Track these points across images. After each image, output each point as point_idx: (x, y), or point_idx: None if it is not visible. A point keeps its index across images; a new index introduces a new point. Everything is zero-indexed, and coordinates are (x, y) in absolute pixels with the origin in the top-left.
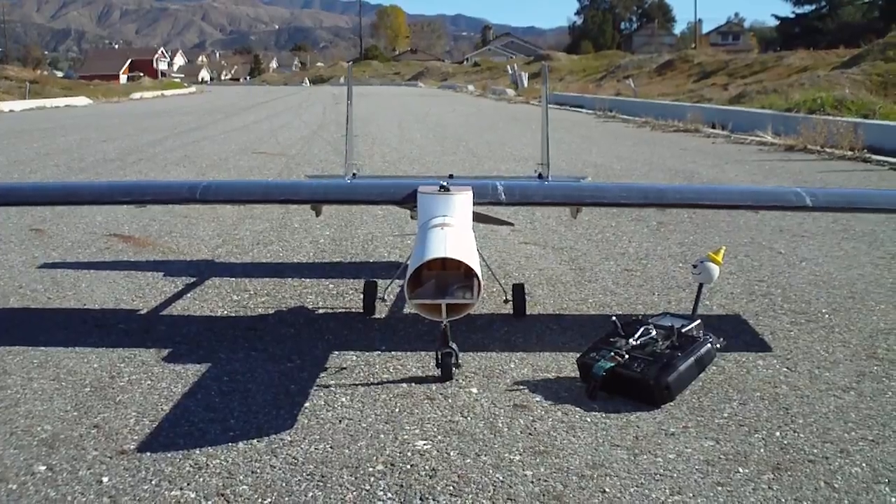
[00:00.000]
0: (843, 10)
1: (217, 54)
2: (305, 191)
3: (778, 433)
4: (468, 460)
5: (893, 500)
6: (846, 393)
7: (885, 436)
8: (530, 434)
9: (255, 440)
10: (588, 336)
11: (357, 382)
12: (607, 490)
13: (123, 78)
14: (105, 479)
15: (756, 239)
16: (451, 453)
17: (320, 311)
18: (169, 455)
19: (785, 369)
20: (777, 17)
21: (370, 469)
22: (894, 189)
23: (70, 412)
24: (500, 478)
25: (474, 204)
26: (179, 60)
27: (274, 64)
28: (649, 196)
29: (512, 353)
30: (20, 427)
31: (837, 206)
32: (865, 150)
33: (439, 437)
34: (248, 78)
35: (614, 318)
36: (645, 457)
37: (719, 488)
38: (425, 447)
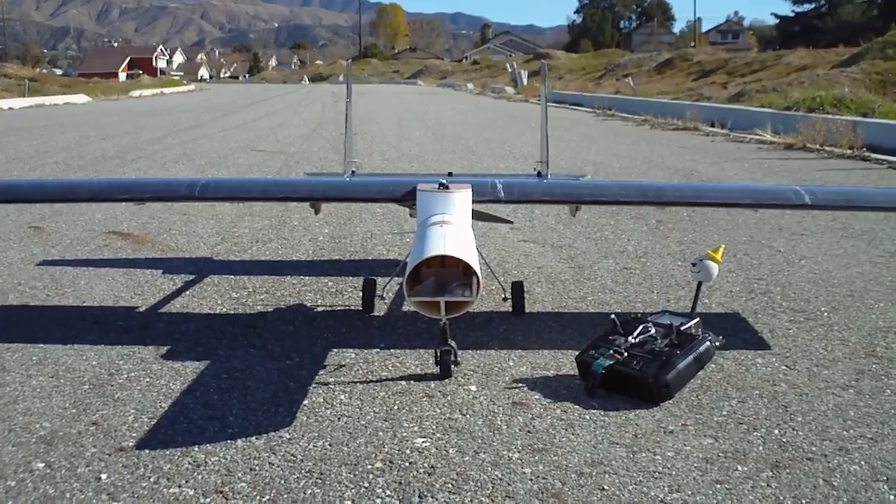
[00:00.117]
0: (842, 8)
1: (216, 52)
2: (304, 188)
3: (777, 431)
4: (467, 458)
5: (892, 497)
6: (845, 391)
7: (884, 434)
8: (529, 432)
9: (253, 437)
10: (587, 334)
11: (356, 380)
12: (606, 487)
13: (123, 76)
14: (104, 477)
15: (755, 237)
16: (450, 451)
17: (319, 308)
18: (167, 452)
19: (784, 367)
20: (776, 16)
21: (369, 466)
22: (893, 187)
23: (69, 409)
24: (499, 475)
25: (473, 202)
26: (179, 58)
27: (273, 62)
28: (648, 194)
29: (511, 350)
30: (19, 424)
31: (836, 205)
32: (864, 149)
33: (438, 435)
34: (247, 76)
35: (613, 316)
36: (644, 454)
37: (718, 486)
38: (424, 445)
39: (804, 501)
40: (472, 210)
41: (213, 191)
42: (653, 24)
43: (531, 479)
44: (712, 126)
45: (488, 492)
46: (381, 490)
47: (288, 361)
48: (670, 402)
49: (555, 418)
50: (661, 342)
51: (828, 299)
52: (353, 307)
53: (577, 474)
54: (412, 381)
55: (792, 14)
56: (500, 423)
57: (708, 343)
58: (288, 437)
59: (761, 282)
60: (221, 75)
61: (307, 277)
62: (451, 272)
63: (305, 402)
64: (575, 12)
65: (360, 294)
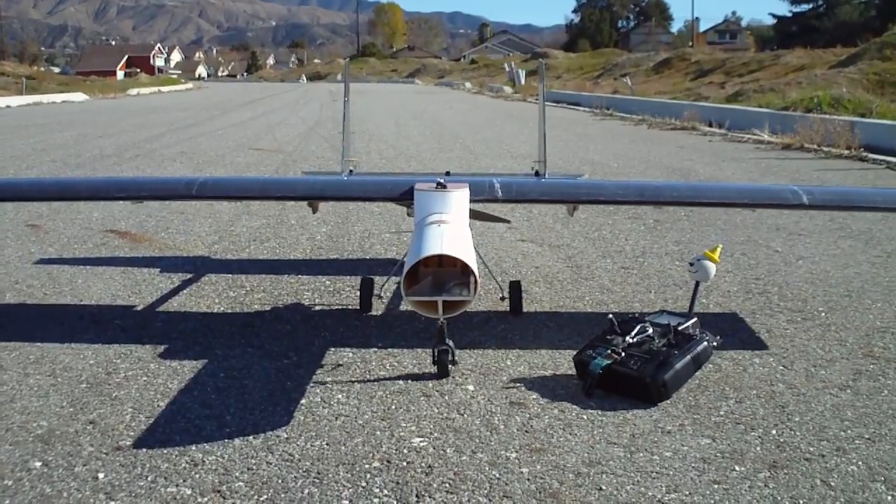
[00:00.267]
0: (840, 8)
1: (214, 51)
2: (302, 187)
3: (774, 431)
4: (464, 457)
5: (889, 498)
6: (842, 391)
7: (881, 434)
8: (527, 431)
9: (251, 437)
10: (585, 334)
11: (353, 379)
12: (603, 487)
13: (120, 74)
14: (101, 476)
15: (753, 237)
16: (448, 450)
17: (317, 307)
18: (165, 451)
19: (781, 367)
20: (774, 16)
21: (366, 466)
22: (891, 188)
23: (66, 408)
24: (497, 475)
25: (471, 201)
26: (176, 57)
27: (271, 60)
28: (646, 194)
29: (508, 350)
30: (16, 423)
31: (834, 205)
32: (862, 149)
33: (435, 435)
34: (245, 74)
35: (611, 315)
36: (641, 454)
37: (715, 486)
38: (421, 444)
39: (801, 502)
40: (470, 209)
41: (211, 189)
42: (650, 24)
43: (529, 479)
44: (710, 126)
45: (486, 491)
46: (378, 490)
47: (285, 360)
48: (668, 402)
49: (552, 418)
50: (659, 342)
51: (825, 299)
52: (350, 306)
53: (575, 474)
54: (410, 381)
55: (790, 14)
56: (497, 422)
57: (705, 343)
58: (285, 436)
59: (759, 282)
60: (219, 74)
61: (305, 276)
62: (448, 271)
63: (303, 401)
64: (573, 12)
65: (358, 293)
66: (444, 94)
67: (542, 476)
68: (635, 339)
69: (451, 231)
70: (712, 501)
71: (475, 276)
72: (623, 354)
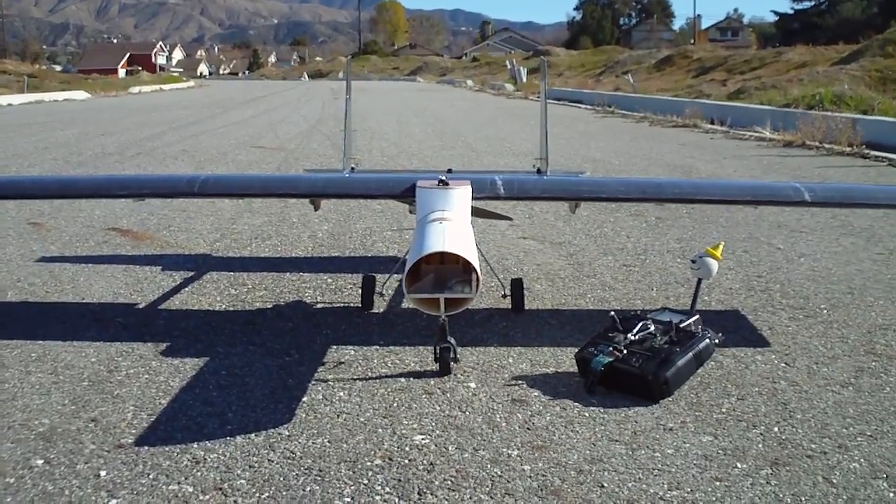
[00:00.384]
0: (842, 6)
1: (216, 48)
2: (304, 185)
3: (776, 428)
4: (466, 455)
5: (891, 495)
6: (844, 388)
7: (884, 431)
8: (528, 429)
9: (252, 434)
10: (586, 331)
11: (355, 377)
12: (605, 485)
13: (122, 72)
14: (103, 473)
15: (754, 234)
16: (450, 448)
17: (318, 305)
18: (167, 449)
19: (783, 365)
20: (776, 13)
21: (368, 463)
22: (893, 185)
23: (68, 406)
24: (498, 472)
25: (473, 198)
26: (178, 55)
27: (272, 58)
28: (648, 191)
29: (510, 347)
30: (18, 421)
31: (836, 202)
32: (864, 146)
33: (437, 432)
34: (246, 72)
35: (613, 313)
36: (643, 452)
37: (717, 483)
38: (423, 442)
39: (803, 499)
40: (472, 207)
41: (213, 187)
42: (652, 21)
43: (530, 477)
44: (712, 123)
45: (487, 489)
46: (380, 487)
47: (287, 358)
48: (669, 399)
49: (554, 415)
50: (661, 339)
51: (827, 297)
52: (352, 304)
53: (577, 471)
54: (411, 378)
55: (791, 11)
56: (499, 420)
57: (707, 340)
58: (287, 433)
59: (761, 279)
60: (221, 72)
61: (306, 274)
62: (450, 269)
63: (304, 398)
64: (574, 9)
65: (360, 291)
66: (445, 92)
67: (544, 473)
68: (637, 337)
69: (452, 228)
70: (714, 499)
71: (477, 274)
72: (625, 352)
